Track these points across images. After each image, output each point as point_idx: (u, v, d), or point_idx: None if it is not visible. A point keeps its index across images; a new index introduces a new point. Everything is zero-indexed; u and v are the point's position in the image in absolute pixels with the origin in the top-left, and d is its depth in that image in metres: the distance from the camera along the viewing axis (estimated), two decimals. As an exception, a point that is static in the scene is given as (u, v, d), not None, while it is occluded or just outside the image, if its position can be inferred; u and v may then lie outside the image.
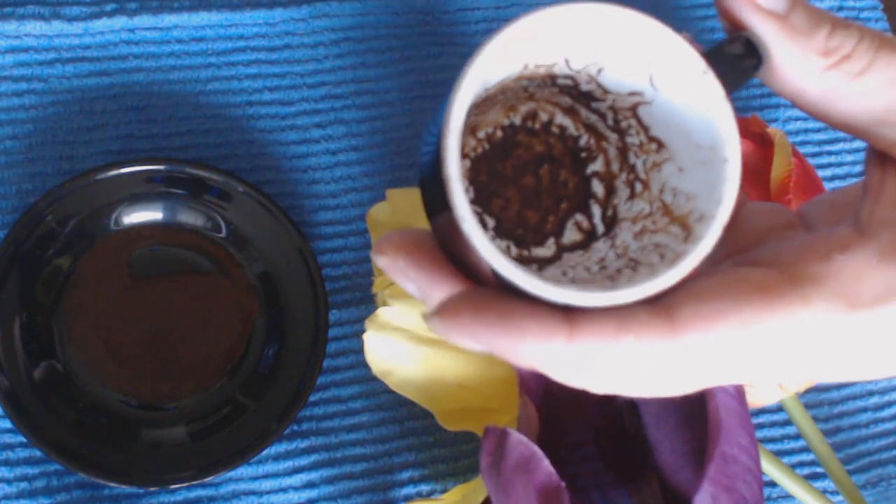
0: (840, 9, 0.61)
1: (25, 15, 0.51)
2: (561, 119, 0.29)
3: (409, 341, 0.45)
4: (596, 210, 0.29)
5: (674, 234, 0.27)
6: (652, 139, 0.28)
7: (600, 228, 0.29)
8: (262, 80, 0.53)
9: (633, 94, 0.27)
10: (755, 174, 0.50)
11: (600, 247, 0.28)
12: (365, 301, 0.51)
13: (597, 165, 0.29)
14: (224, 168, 0.50)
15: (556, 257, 0.28)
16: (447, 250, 0.26)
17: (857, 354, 0.26)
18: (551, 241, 0.28)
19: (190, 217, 0.50)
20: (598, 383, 0.26)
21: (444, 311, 0.25)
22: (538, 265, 0.28)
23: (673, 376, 0.25)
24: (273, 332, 0.49)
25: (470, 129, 0.28)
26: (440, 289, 0.26)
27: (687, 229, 0.26)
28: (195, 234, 0.50)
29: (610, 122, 0.28)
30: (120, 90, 0.52)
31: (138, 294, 0.49)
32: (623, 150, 0.29)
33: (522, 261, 0.28)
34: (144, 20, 0.52)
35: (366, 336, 0.45)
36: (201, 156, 0.52)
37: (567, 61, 0.27)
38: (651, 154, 0.28)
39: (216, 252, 0.50)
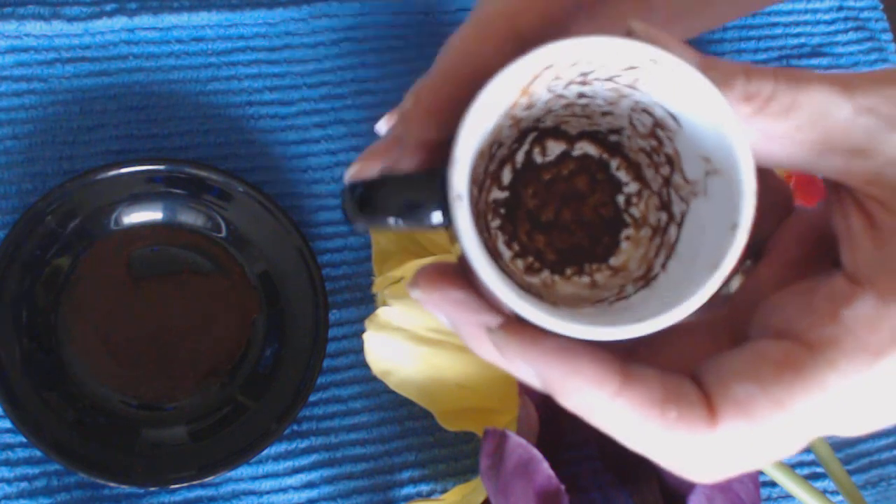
0: (840, 9, 0.60)
1: (25, 15, 0.51)
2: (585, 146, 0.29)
3: (409, 341, 0.45)
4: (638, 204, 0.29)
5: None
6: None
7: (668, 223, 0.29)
8: (262, 80, 0.53)
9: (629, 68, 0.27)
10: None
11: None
12: (365, 301, 0.51)
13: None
14: (224, 168, 0.50)
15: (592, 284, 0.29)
16: (472, 280, 0.27)
17: (890, 398, 0.26)
18: (597, 264, 0.29)
19: (190, 217, 0.50)
20: (633, 445, 0.26)
21: (509, 328, 0.26)
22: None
23: (712, 462, 0.26)
24: (273, 332, 0.49)
25: (499, 162, 0.29)
26: (468, 320, 0.27)
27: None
28: (195, 234, 0.50)
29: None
30: (120, 90, 0.52)
31: (138, 294, 0.49)
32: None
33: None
34: (144, 20, 0.52)
35: (366, 336, 0.45)
36: (201, 156, 0.52)
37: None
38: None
39: (216, 252, 0.50)
